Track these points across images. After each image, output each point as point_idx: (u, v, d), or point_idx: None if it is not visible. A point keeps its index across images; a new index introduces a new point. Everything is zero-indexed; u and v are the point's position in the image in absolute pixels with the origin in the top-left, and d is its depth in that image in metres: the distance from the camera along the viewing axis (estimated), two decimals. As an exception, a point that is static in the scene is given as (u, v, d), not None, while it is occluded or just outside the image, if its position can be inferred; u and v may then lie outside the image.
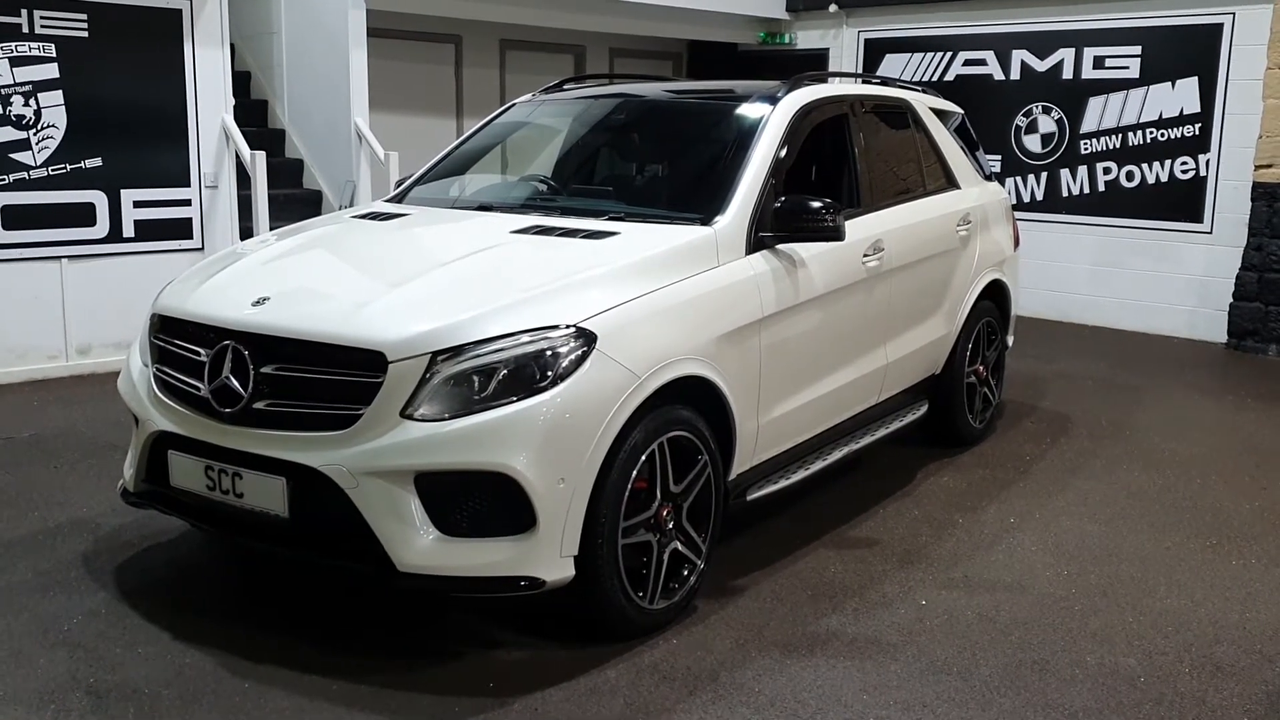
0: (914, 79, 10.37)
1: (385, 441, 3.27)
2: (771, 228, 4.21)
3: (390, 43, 9.68)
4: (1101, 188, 9.69)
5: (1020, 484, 5.37)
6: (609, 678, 3.42)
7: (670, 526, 3.71)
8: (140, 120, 7.14)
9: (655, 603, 3.67)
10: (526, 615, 3.79)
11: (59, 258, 6.95)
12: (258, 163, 7.39)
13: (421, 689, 3.34)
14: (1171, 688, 3.46)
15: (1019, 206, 9.77)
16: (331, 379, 3.38)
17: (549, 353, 3.35)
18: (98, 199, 7.03)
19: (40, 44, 6.73)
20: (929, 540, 4.62)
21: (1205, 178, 9.12)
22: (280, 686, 3.33)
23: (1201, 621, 3.93)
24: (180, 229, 7.41)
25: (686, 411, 3.72)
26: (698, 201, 4.26)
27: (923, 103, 5.87)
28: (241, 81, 9.10)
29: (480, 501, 3.33)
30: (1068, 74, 9.75)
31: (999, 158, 10.06)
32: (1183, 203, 9.24)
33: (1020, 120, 10.06)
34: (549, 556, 3.33)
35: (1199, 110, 9.11)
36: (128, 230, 7.17)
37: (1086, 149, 9.73)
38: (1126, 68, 9.43)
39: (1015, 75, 10.06)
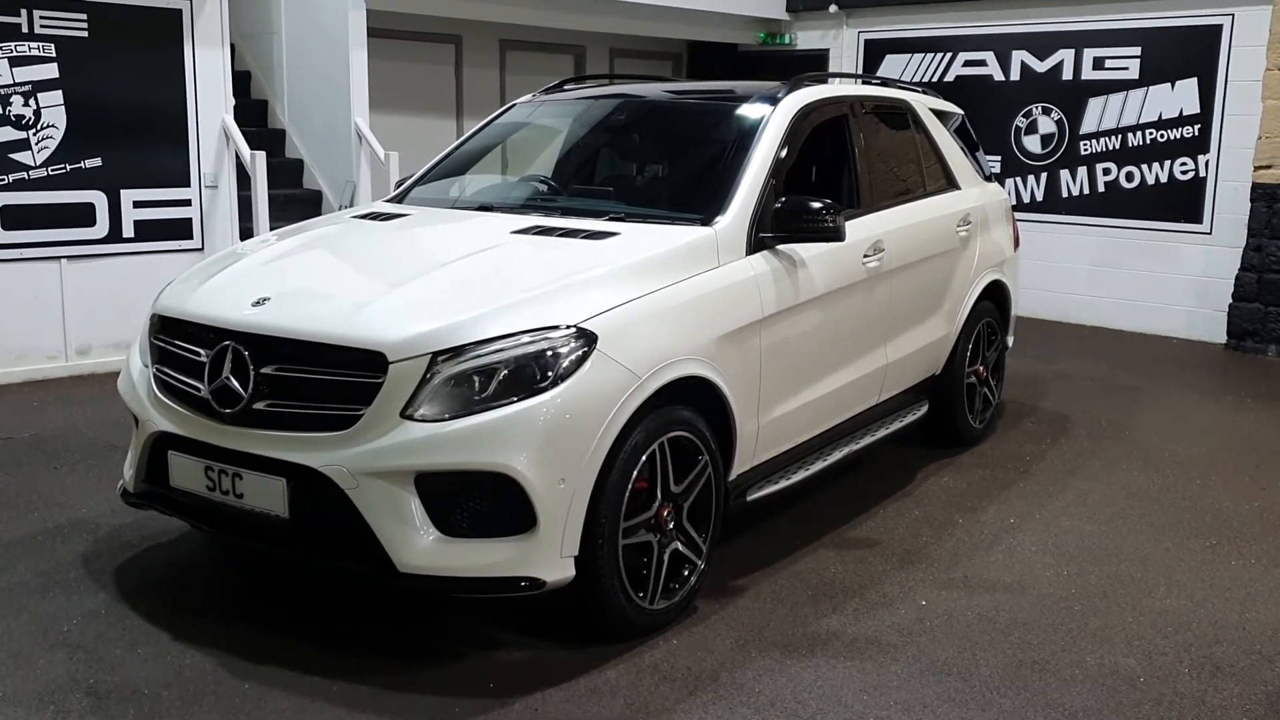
0: (914, 80, 10.38)
1: (385, 442, 3.27)
2: (772, 228, 4.21)
3: (390, 43, 9.68)
4: (1101, 188, 9.70)
5: (1020, 484, 5.37)
6: (609, 678, 3.42)
7: (671, 527, 3.71)
8: (140, 120, 7.14)
9: (655, 603, 3.67)
10: (527, 616, 3.79)
11: (59, 258, 6.94)
12: (258, 163, 7.39)
13: (422, 689, 3.34)
14: (1171, 688, 3.47)
15: (1019, 207, 9.77)
16: (332, 379, 3.38)
17: (549, 353, 3.35)
18: (97, 199, 7.03)
19: (40, 44, 6.73)
20: (929, 540, 4.62)
21: (1205, 178, 9.13)
22: (280, 687, 3.33)
23: (1201, 622, 3.93)
24: (180, 229, 7.41)
25: (687, 412, 3.72)
26: (698, 202, 4.26)
27: (923, 103, 5.88)
28: (241, 81, 9.09)
29: (481, 502, 3.33)
30: (1067, 75, 9.75)
31: (999, 158, 10.06)
32: (1182, 203, 9.25)
33: (1020, 121, 10.06)
34: (549, 557, 3.33)
35: (1198, 111, 9.11)
36: (127, 230, 7.17)
37: (1086, 150, 9.73)
38: (1126, 69, 9.44)
39: (1015, 76, 10.07)
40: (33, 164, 6.77)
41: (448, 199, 5.01)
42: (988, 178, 6.32)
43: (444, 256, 3.99)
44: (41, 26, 6.72)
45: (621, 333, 3.50)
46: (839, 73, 10.78)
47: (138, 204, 7.19)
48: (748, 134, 4.50)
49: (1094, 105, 9.64)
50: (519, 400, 3.28)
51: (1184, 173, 9.23)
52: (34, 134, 6.75)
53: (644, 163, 5.10)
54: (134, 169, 7.14)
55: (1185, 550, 4.60)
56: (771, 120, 4.54)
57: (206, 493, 3.58)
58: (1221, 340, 8.92)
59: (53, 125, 6.81)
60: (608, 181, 5.09)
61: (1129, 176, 9.53)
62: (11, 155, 6.69)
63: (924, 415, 5.52)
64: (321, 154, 9.03)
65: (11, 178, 6.70)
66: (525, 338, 3.36)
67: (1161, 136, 9.31)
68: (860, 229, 4.73)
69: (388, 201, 5.09)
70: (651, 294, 3.69)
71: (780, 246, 4.25)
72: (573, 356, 3.37)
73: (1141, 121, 9.41)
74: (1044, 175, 9.99)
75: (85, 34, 6.87)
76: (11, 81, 6.65)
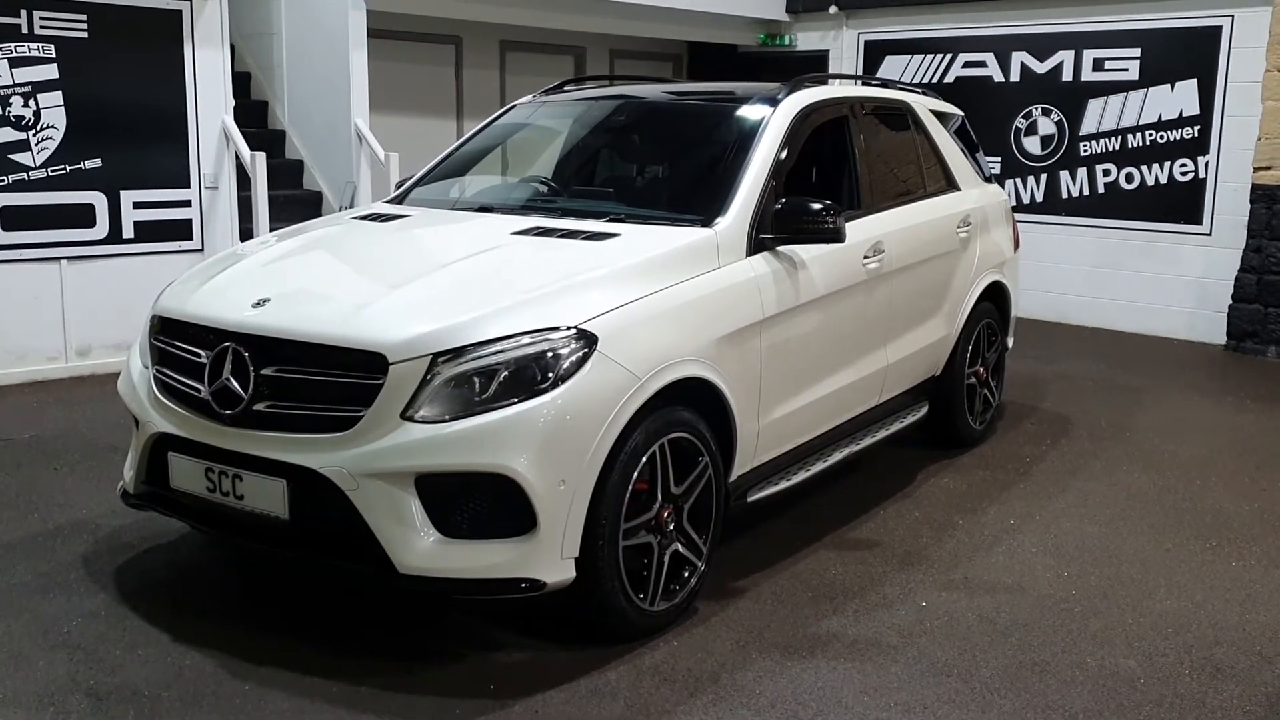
0: (914, 81, 10.37)
1: (386, 443, 3.27)
2: (772, 229, 4.21)
3: (390, 44, 9.68)
4: (1101, 189, 9.70)
5: (1020, 485, 5.37)
6: (609, 679, 3.42)
7: (671, 528, 3.71)
8: (140, 121, 7.13)
9: (656, 604, 3.67)
10: (527, 617, 3.79)
11: (58, 259, 6.94)
12: (258, 164, 7.39)
13: (422, 690, 3.34)
14: (1171, 689, 3.47)
15: (1019, 208, 9.78)
16: (332, 380, 3.38)
17: (550, 354, 3.35)
18: (97, 200, 7.03)
19: (40, 45, 6.73)
20: (929, 542, 4.62)
21: (1204, 180, 9.13)
22: (281, 688, 3.33)
23: (1201, 623, 3.93)
24: (180, 230, 7.41)
25: (687, 413, 3.72)
26: (698, 203, 4.26)
27: (923, 104, 5.88)
28: (241, 82, 9.09)
29: (481, 503, 3.32)
30: (1067, 76, 9.76)
31: (999, 159, 10.06)
32: (1182, 205, 9.25)
33: (1020, 122, 10.06)
34: (549, 558, 3.33)
35: (1198, 112, 9.11)
36: (127, 231, 7.17)
37: (1086, 151, 9.73)
38: (1126, 70, 9.44)
39: (1015, 77, 10.07)
40: (32, 165, 6.77)
41: (448, 200, 5.01)
42: (988, 179, 6.33)
43: (444, 257, 3.98)
44: (41, 27, 6.72)
45: (622, 334, 3.50)
46: (839, 74, 10.79)
47: (138, 205, 7.19)
48: (748, 135, 4.50)
49: (1094, 106, 9.64)
50: (519, 401, 3.28)
51: (1184, 174, 9.24)
52: (34, 135, 6.75)
53: (644, 164, 5.10)
54: (134, 170, 7.14)
55: (1185, 551, 4.60)
56: (772, 121, 4.54)
57: (207, 494, 3.58)
58: (1221, 341, 8.93)
59: (52, 126, 6.81)
60: (608, 182, 5.09)
61: (1129, 178, 9.54)
62: (11, 156, 6.69)
63: (924, 416, 5.52)
64: (321, 155, 9.03)
65: (11, 178, 6.70)
66: (526, 339, 3.36)
67: (1161, 138, 9.31)
68: (860, 230, 4.73)
69: (388, 202, 5.09)
70: (652, 295, 3.69)
71: (781, 248, 4.25)
72: (573, 358, 3.37)
73: (1141, 123, 9.41)
74: (1044, 176, 9.99)
75: (85, 35, 6.87)
76: (11, 82, 6.65)
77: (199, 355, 3.62)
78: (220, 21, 7.40)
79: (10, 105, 6.65)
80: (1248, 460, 5.87)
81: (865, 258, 4.76)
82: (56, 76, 6.79)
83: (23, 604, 3.86)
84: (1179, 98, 9.20)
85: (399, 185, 5.31)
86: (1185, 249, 9.25)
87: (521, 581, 3.33)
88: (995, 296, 6.07)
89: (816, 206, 4.18)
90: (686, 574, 3.80)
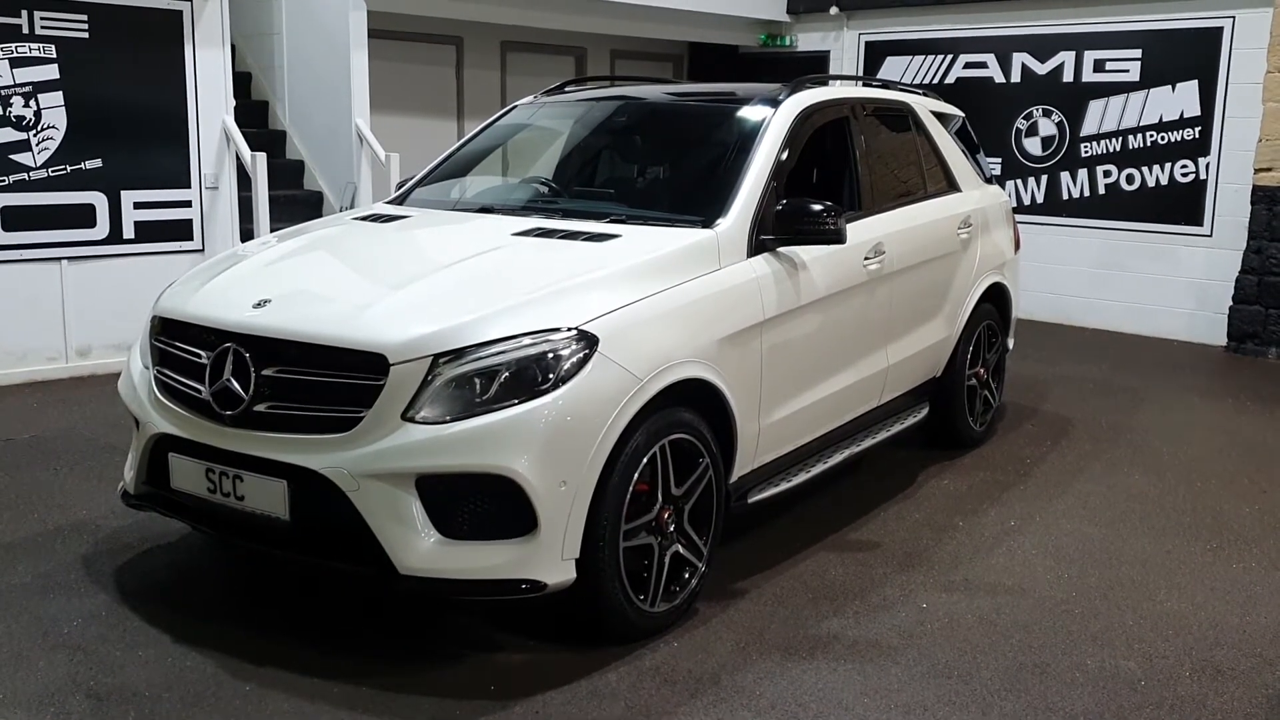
0: (915, 82, 10.38)
1: (386, 444, 3.27)
2: (773, 230, 4.21)
3: (391, 44, 9.68)
4: (1102, 190, 9.70)
5: (1021, 487, 5.37)
6: (610, 681, 3.42)
7: (671, 529, 3.71)
8: (141, 121, 7.14)
9: (656, 605, 3.67)
10: (527, 618, 3.79)
11: (59, 259, 6.94)
12: (258, 164, 7.39)
13: (422, 691, 3.34)
14: (1172, 691, 3.46)
15: (1019, 209, 9.77)
16: (333, 381, 3.38)
17: (551, 355, 3.35)
18: (98, 200, 7.03)
19: (40, 45, 6.73)
20: (930, 543, 4.62)
21: (1205, 181, 9.13)
22: (281, 689, 3.33)
23: (1202, 625, 3.93)
24: (181, 230, 7.41)
25: (688, 414, 3.72)
26: (699, 204, 4.26)
27: (924, 105, 5.88)
28: (242, 82, 9.09)
29: (481, 504, 3.32)
30: (1068, 77, 9.76)
31: (999, 160, 10.06)
32: (1183, 206, 9.25)
33: (1021, 123, 10.06)
34: (550, 559, 3.33)
35: (1199, 114, 9.11)
36: (128, 231, 7.17)
37: (1087, 152, 9.73)
38: (1127, 71, 9.44)
39: (1016, 78, 10.07)
40: (33, 165, 6.77)
41: (449, 201, 5.01)
42: (988, 180, 6.32)
43: (445, 258, 3.98)
44: (42, 27, 6.72)
45: (623, 335, 3.50)
46: (840, 75, 10.79)
47: (138, 205, 7.19)
48: (749, 136, 4.50)
49: (1094, 107, 9.64)
50: (520, 402, 3.28)
51: (1184, 175, 9.23)
52: (34, 135, 6.75)
53: (645, 165, 5.09)
54: (134, 170, 7.14)
55: (1186, 553, 4.60)
56: (773, 122, 4.54)
57: (207, 495, 3.58)
58: (1222, 342, 8.92)
59: (53, 126, 6.81)
60: (609, 183, 5.09)
61: (1129, 179, 9.54)
62: (12, 156, 6.69)
63: (924, 418, 5.52)
64: (322, 155, 9.03)
65: (12, 179, 6.70)
66: (526, 340, 3.36)
67: (1162, 139, 9.31)
68: (861, 231, 4.73)
69: (388, 203, 5.09)
70: (653, 296, 3.69)
71: (781, 249, 4.25)
72: (574, 359, 3.37)
73: (1142, 124, 9.41)
74: (1044, 177, 9.99)
75: (86, 35, 6.87)
76: (12, 82, 6.65)
77: (200, 356, 3.62)
78: (221, 22, 7.40)
79: (11, 105, 6.65)
80: (1248, 462, 5.87)
81: (866, 259, 4.76)
82: (57, 76, 6.79)
83: (23, 604, 3.86)
84: (1180, 99, 9.20)
85: (400, 186, 5.30)
86: (1186, 250, 9.25)
87: (522, 582, 3.32)
88: (996, 298, 6.07)
89: (817, 208, 4.17)
90: (687, 575, 3.80)
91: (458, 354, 3.31)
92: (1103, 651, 3.71)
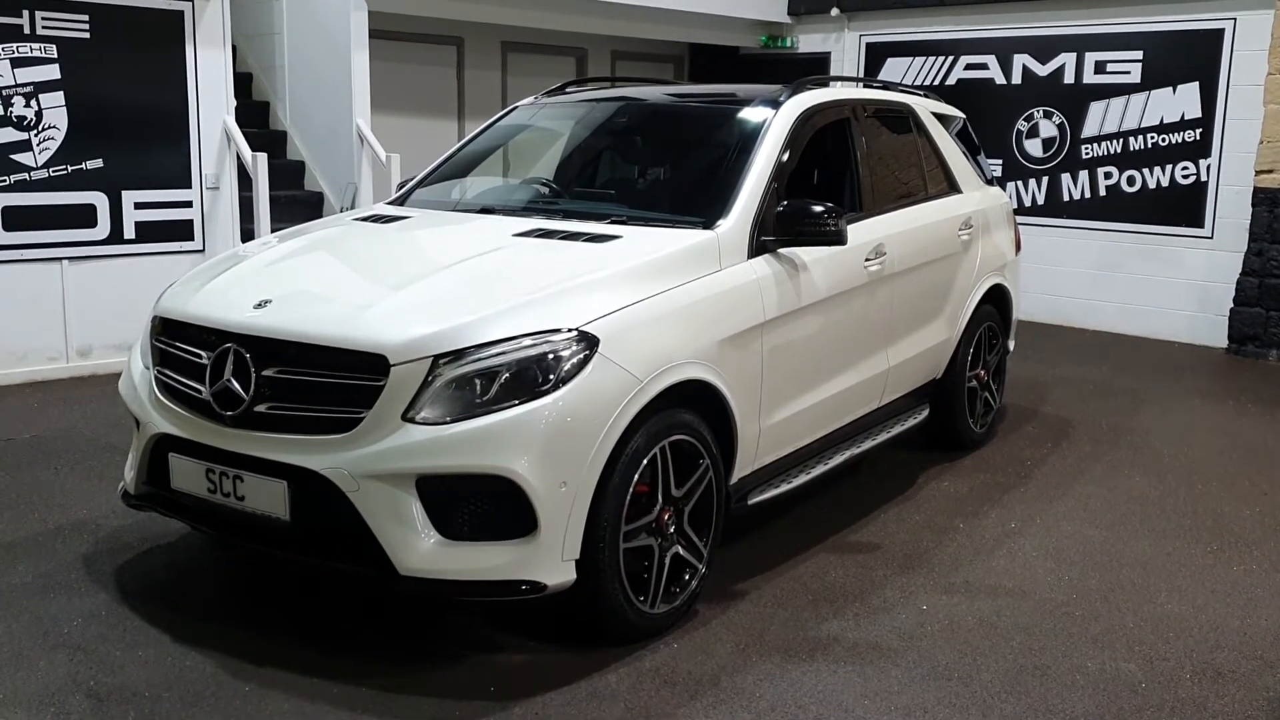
0: (916, 83, 10.38)
1: (387, 445, 3.27)
2: (774, 232, 4.21)
3: (392, 44, 9.68)
4: (1103, 192, 9.70)
5: (1021, 489, 5.37)
6: (610, 682, 3.42)
7: (671, 530, 3.71)
8: (141, 121, 7.14)
9: (656, 607, 3.67)
10: (527, 619, 3.79)
11: (60, 259, 6.94)
12: (259, 164, 7.39)
13: (422, 692, 3.34)
14: (1172, 693, 3.46)
15: (1020, 211, 9.77)
16: (333, 382, 3.38)
17: (551, 356, 3.35)
18: (99, 200, 7.03)
19: (41, 45, 6.73)
20: (930, 545, 4.61)
21: (1206, 183, 9.13)
22: (281, 689, 3.33)
23: (1203, 627, 3.93)
24: (181, 231, 7.41)
25: (688, 415, 3.72)
26: (700, 205, 4.26)
27: (924, 107, 5.88)
28: (243, 83, 9.09)
29: (482, 505, 3.32)
30: (1069, 78, 9.76)
31: (1000, 162, 10.06)
32: (1184, 208, 9.25)
33: (1021, 125, 10.06)
34: (550, 560, 3.33)
35: (1200, 115, 9.11)
36: (129, 232, 7.17)
37: (1087, 154, 9.73)
38: (1128, 73, 9.44)
39: (1017, 80, 10.07)
40: (34, 165, 6.77)
41: (449, 201, 5.01)
42: (989, 181, 6.32)
43: (446, 259, 3.98)
44: (43, 28, 6.72)
45: (623, 336, 3.50)
46: (840, 76, 10.79)
47: (139, 205, 7.19)
48: (750, 137, 4.50)
49: (1095, 109, 9.64)
50: (520, 403, 3.28)
51: (1185, 177, 9.23)
52: (35, 135, 6.75)
53: (646, 166, 5.09)
54: (135, 170, 7.14)
55: (1187, 555, 4.59)
56: (774, 124, 4.54)
57: (207, 495, 3.58)
58: (1223, 345, 8.92)
59: (54, 126, 6.81)
60: (610, 184, 5.09)
61: (1130, 180, 9.53)
62: (13, 156, 6.69)
63: (925, 419, 5.51)
64: (323, 156, 9.03)
65: (13, 178, 6.70)
66: (527, 341, 3.35)
67: (1163, 141, 9.31)
68: (862, 232, 4.73)
69: (389, 204, 5.09)
70: (653, 297, 3.69)
71: (782, 250, 4.25)
72: (574, 360, 3.36)
73: (1143, 125, 9.41)
74: (1045, 179, 9.99)
75: (87, 35, 6.87)
76: (13, 82, 6.65)
77: (200, 356, 3.62)
78: (222, 22, 7.40)
79: (12, 105, 6.65)
80: (1249, 464, 5.87)
81: (867, 260, 4.76)
82: (58, 77, 6.79)
83: (23, 604, 3.86)
84: (1181, 101, 9.20)
85: (400, 186, 5.30)
86: (1187, 252, 9.25)
87: (522, 583, 3.32)
88: (996, 299, 6.07)
89: (818, 209, 4.17)
90: (687, 576, 3.80)
91: (458, 355, 3.31)
92: (1103, 654, 3.71)
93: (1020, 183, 10.10)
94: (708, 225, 4.11)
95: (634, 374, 3.46)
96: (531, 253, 3.98)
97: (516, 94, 9.53)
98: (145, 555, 4.31)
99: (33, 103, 6.72)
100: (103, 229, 7.07)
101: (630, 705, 3.29)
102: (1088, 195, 9.77)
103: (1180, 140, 9.22)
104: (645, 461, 3.53)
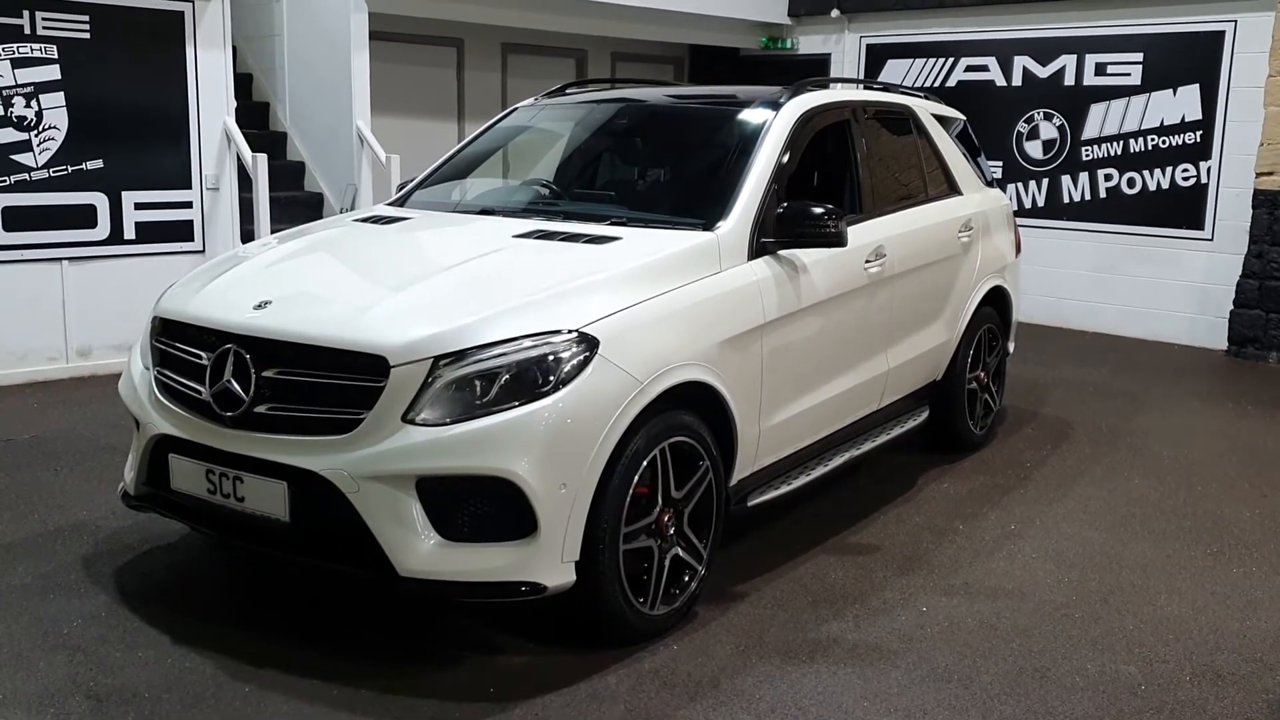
0: (916, 85, 10.39)
1: (387, 446, 3.27)
2: (774, 233, 4.21)
3: (392, 46, 9.68)
4: (1103, 194, 9.70)
5: (1021, 490, 5.37)
6: (610, 684, 3.42)
7: (671, 532, 3.71)
8: (142, 122, 7.14)
9: (656, 608, 3.67)
10: (527, 620, 3.79)
11: (60, 259, 6.94)
12: (259, 165, 7.39)
13: (422, 693, 3.34)
14: (1172, 696, 3.46)
15: (1020, 212, 9.78)
16: (333, 383, 3.38)
17: (551, 358, 3.35)
18: (99, 201, 7.03)
19: (42, 45, 6.73)
20: (930, 546, 4.61)
21: (1206, 185, 9.13)
22: (280, 691, 3.33)
23: (1202, 629, 3.93)
24: (181, 231, 7.41)
25: (688, 417, 3.72)
26: (700, 207, 4.26)
27: (925, 108, 5.88)
28: (243, 84, 9.10)
29: (481, 506, 3.32)
30: (1069, 80, 9.76)
31: (1000, 164, 10.06)
32: (1184, 210, 9.25)
33: (1022, 126, 10.06)
34: (550, 562, 3.33)
35: (1200, 117, 9.12)
36: (129, 232, 7.17)
37: (1088, 155, 9.73)
38: (1128, 74, 9.44)
39: (1017, 81, 10.07)
40: (34, 165, 6.77)
41: (449, 203, 5.01)
42: (989, 183, 6.32)
43: (446, 260, 3.98)
44: (44, 28, 6.72)
45: (623, 337, 3.50)
46: (841, 77, 10.79)
47: (139, 206, 7.19)
48: (750, 139, 4.50)
49: (1096, 111, 9.64)
50: (520, 405, 3.28)
51: (1185, 179, 9.24)
52: (36, 135, 6.75)
53: (646, 167, 5.10)
54: (135, 171, 7.14)
55: (1186, 557, 4.59)
56: (774, 125, 4.54)
57: (207, 496, 3.57)
58: (1222, 347, 8.92)
59: (54, 127, 6.81)
60: (610, 186, 5.09)
61: (1130, 182, 9.54)
62: (13, 156, 6.69)
63: (925, 421, 5.51)
64: (323, 157, 9.04)
65: (13, 179, 6.70)
66: (527, 342, 3.35)
67: (1163, 142, 9.32)
68: (862, 234, 4.73)
69: (389, 205, 5.09)
70: (653, 299, 3.69)
71: (782, 251, 4.25)
72: (574, 361, 3.36)
73: (1143, 127, 9.41)
74: (1045, 181, 10.00)
75: (87, 35, 6.87)
76: (13, 83, 6.65)
77: (200, 357, 3.62)
78: (222, 23, 7.40)
79: (12, 106, 6.65)
80: (1249, 466, 5.87)
81: (867, 262, 4.76)
82: (59, 77, 6.79)
83: (23, 605, 3.86)
84: (1181, 103, 9.20)
85: (400, 187, 5.30)
86: (1187, 254, 9.25)
87: (522, 585, 3.32)
88: (996, 301, 6.07)
89: (818, 210, 4.17)
90: (687, 578, 3.79)
91: (458, 356, 3.31)
92: (1103, 656, 3.71)
93: (1020, 184, 10.10)
94: (708, 227, 4.11)
95: (634, 375, 3.46)
96: (532, 254, 3.98)
97: (516, 95, 9.54)
98: (145, 556, 4.31)
99: (33, 103, 6.72)
100: (103, 229, 7.07)
101: (630, 707, 3.29)
102: (1088, 197, 9.77)
103: (1180, 142, 9.22)
104: (645, 463, 3.53)
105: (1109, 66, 9.54)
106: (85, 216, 7.00)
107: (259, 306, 3.61)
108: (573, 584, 3.41)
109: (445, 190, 5.14)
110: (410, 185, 5.22)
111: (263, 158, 7.44)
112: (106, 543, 4.41)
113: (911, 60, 10.73)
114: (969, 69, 10.36)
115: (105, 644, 3.59)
